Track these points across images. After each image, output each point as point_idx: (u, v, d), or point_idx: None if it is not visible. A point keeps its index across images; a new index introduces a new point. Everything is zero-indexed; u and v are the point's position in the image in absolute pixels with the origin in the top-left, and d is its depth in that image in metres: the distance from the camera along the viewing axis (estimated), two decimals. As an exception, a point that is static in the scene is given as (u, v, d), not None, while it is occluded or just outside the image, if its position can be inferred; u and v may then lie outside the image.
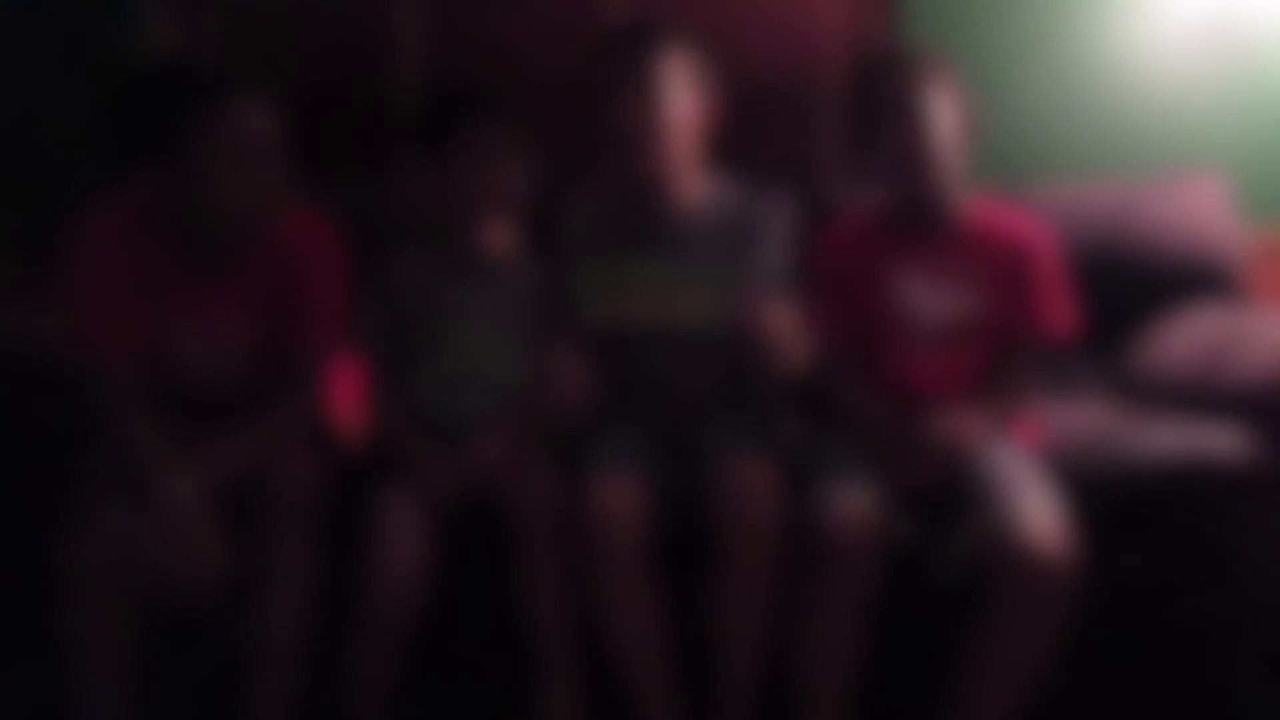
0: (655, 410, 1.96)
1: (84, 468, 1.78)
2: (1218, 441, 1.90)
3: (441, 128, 1.92)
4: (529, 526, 1.80)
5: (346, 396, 2.00)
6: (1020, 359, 1.93)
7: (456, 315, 1.95)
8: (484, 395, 1.94)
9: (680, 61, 1.91)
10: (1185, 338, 2.22)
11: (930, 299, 1.93)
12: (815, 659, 1.78)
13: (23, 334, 2.09)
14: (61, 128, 2.62)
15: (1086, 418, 2.10)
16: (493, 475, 1.85)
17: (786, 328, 1.78)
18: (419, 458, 1.86)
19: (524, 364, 1.95)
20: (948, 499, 1.81)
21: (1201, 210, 2.40)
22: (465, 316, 1.96)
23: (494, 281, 1.97)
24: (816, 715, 1.79)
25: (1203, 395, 2.03)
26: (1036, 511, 1.71)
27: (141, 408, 1.76)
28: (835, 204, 2.28)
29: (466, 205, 1.94)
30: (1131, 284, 2.36)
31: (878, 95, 1.87)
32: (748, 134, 2.01)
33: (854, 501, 1.75)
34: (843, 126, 1.94)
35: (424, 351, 1.95)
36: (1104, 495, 1.85)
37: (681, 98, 1.90)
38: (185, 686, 1.88)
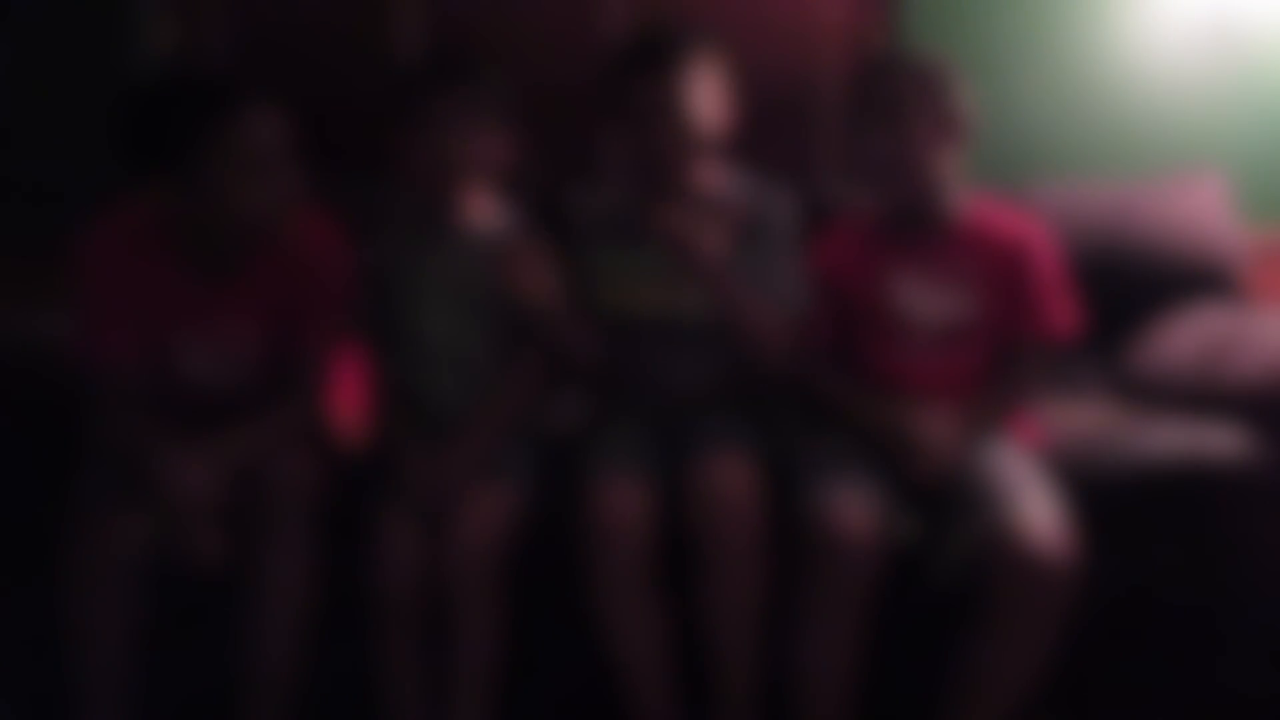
0: (656, 404, 1.96)
1: (85, 468, 1.78)
2: (1218, 441, 1.90)
3: (420, 93, 1.88)
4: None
5: (347, 397, 2.00)
6: (1025, 360, 1.93)
7: (425, 286, 1.92)
8: (453, 372, 1.92)
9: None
10: (1185, 338, 2.22)
11: (927, 301, 1.93)
12: (814, 660, 1.78)
13: (25, 334, 2.09)
14: (65, 130, 2.62)
15: (1086, 418, 2.10)
16: (471, 479, 1.84)
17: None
18: (407, 461, 1.85)
19: (492, 340, 1.93)
20: (948, 499, 1.81)
21: (1201, 210, 2.40)
22: (433, 287, 1.92)
23: (467, 252, 1.92)
24: (816, 716, 1.80)
25: (1203, 395, 2.03)
26: (1036, 512, 1.71)
27: (142, 411, 1.77)
28: (834, 205, 2.28)
29: (442, 172, 1.89)
30: (1131, 284, 2.36)
31: (868, 101, 1.87)
32: (747, 133, 2.01)
33: (854, 501, 1.75)
34: (842, 127, 1.94)
35: (399, 326, 1.93)
36: (1104, 495, 1.85)
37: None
38: (185, 686, 1.88)
